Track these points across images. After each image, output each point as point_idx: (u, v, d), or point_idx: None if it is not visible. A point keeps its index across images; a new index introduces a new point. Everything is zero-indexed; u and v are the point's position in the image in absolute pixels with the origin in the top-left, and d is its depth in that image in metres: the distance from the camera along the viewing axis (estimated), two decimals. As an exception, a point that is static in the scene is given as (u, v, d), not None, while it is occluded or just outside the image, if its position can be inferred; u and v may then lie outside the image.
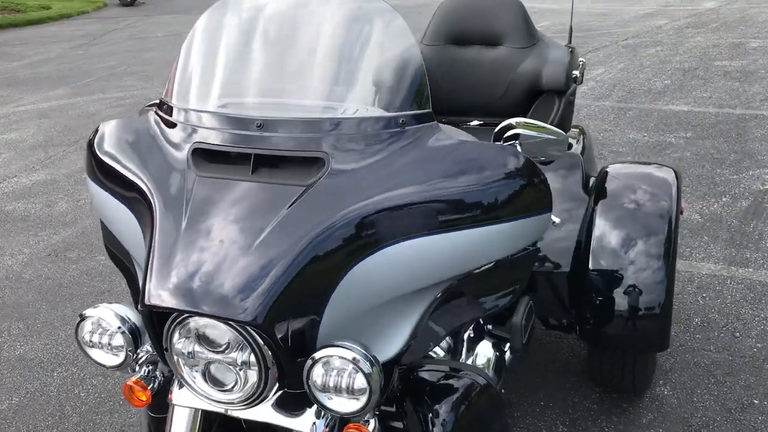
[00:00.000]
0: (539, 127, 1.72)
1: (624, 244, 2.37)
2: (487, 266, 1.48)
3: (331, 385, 1.23)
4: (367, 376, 1.21)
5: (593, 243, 2.40)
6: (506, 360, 2.25)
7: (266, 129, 1.38)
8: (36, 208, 4.87)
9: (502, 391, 2.37)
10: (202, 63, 1.53)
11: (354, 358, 1.21)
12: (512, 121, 1.73)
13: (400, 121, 1.41)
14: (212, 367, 1.32)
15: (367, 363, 1.21)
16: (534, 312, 2.36)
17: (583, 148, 2.81)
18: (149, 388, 1.45)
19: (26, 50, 11.30)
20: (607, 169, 2.58)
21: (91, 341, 1.40)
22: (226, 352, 1.29)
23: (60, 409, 2.79)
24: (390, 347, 1.37)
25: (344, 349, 1.21)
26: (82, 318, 1.39)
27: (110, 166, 1.52)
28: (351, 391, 1.23)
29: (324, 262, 1.25)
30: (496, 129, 1.73)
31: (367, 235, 1.29)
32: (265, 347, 1.24)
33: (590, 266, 2.38)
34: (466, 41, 2.77)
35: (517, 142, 1.72)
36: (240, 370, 1.29)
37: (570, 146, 2.70)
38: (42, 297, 3.66)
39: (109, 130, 1.61)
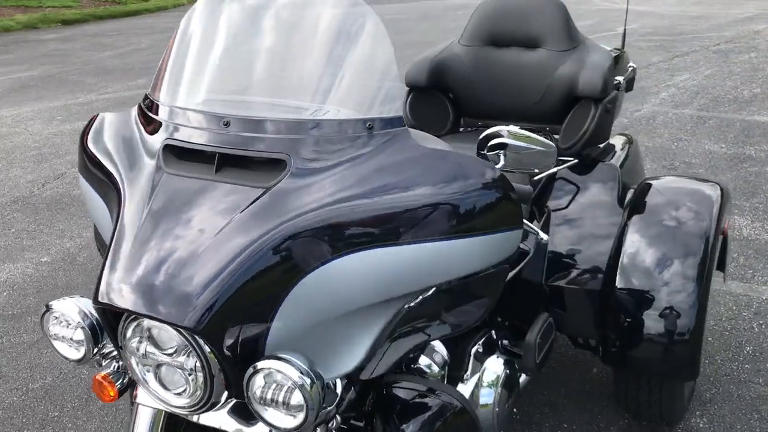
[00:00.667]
0: (527, 138, 1.63)
1: (655, 263, 2.22)
2: (452, 282, 1.40)
3: (269, 398, 1.18)
4: (304, 393, 1.15)
5: (623, 260, 2.26)
6: (518, 379, 2.14)
7: (232, 127, 1.35)
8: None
9: (515, 410, 2.26)
10: (181, 59, 1.51)
11: (293, 374, 1.15)
12: (498, 129, 1.64)
13: (367, 125, 1.35)
14: (163, 369, 1.29)
15: (307, 379, 1.16)
16: (555, 330, 2.24)
17: (626, 158, 2.66)
18: (118, 383, 1.44)
19: (119, 41, 11.77)
20: (647, 183, 2.42)
21: (54, 333, 1.40)
22: (174, 355, 1.26)
23: (87, 392, 2.86)
24: (346, 362, 1.30)
25: (284, 363, 1.16)
26: (47, 309, 1.39)
27: (95, 161, 1.52)
28: (288, 407, 1.18)
29: (275, 270, 1.21)
30: (481, 136, 1.64)
31: (323, 244, 1.23)
32: (210, 354, 1.21)
33: (618, 284, 2.24)
34: (504, 43, 2.66)
35: (502, 152, 1.63)
36: (189, 375, 1.26)
37: (609, 155, 2.55)
38: (90, 280, 3.77)
39: (100, 123, 1.61)
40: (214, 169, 1.32)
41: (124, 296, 1.21)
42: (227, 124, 1.35)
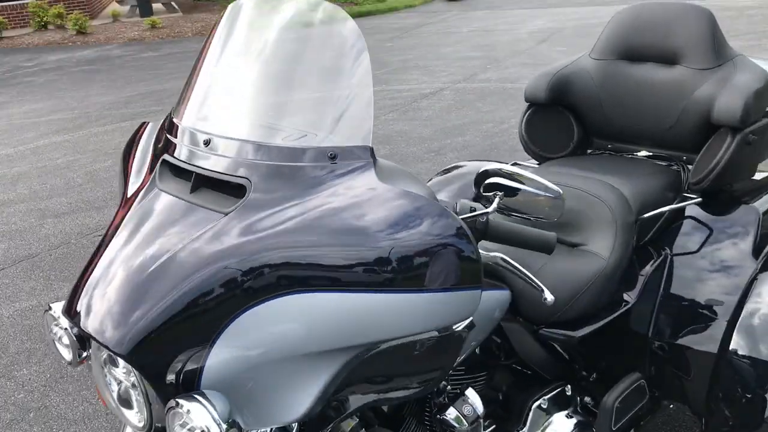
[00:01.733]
0: (527, 180, 1.39)
1: None
2: (400, 340, 1.23)
3: None
4: None
5: (748, 321, 1.90)
6: None
7: (210, 147, 1.32)
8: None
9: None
10: (191, 77, 1.50)
11: (200, 417, 1.08)
12: (495, 167, 1.42)
13: (329, 154, 1.23)
14: (121, 387, 1.28)
15: (214, 426, 1.08)
16: (647, 393, 1.93)
17: (779, 202, 2.22)
18: None
19: (344, 40, 12.35)
20: None
21: (53, 333, 1.45)
22: (126, 374, 1.24)
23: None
24: (290, 411, 1.20)
25: (197, 404, 1.09)
26: (48, 309, 1.45)
27: (122, 167, 1.56)
28: None
29: (213, 301, 1.14)
30: (478, 171, 1.44)
31: (266, 280, 1.14)
32: (145, 381, 1.17)
33: (738, 349, 1.90)
34: (638, 57, 2.33)
35: (501, 193, 1.41)
36: (138, 396, 1.24)
37: (752, 196, 2.14)
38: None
39: (143, 131, 1.65)
40: (190, 189, 1.29)
41: (79, 311, 1.22)
42: (207, 143, 1.32)
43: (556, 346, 1.89)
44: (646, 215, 2.03)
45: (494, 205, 1.40)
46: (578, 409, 1.96)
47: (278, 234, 1.17)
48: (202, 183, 1.29)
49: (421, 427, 1.66)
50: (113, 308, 1.17)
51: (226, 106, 1.42)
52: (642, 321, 2.05)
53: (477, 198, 1.45)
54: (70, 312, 1.24)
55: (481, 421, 1.67)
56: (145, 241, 1.24)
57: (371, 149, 1.26)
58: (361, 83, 1.30)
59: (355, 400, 1.28)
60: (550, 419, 1.89)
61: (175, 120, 1.44)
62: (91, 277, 1.25)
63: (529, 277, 1.37)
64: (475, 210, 1.37)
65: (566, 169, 2.21)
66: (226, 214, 1.21)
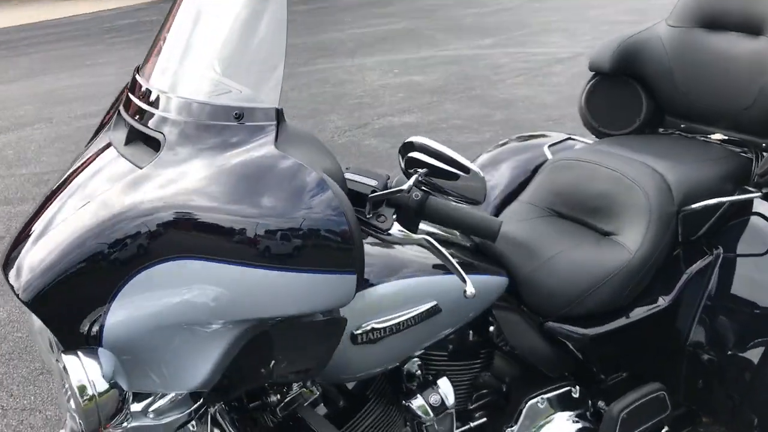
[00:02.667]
0: (449, 160, 1.23)
1: None
2: (279, 320, 1.14)
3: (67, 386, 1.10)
4: (75, 398, 1.05)
5: None
6: None
7: (146, 100, 1.28)
8: (383, 147, 5.25)
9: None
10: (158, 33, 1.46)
11: (75, 374, 1.06)
12: (417, 140, 1.27)
13: (234, 114, 1.16)
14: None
15: (87, 386, 1.05)
16: (670, 408, 1.73)
17: None
18: None
19: (492, 0, 11.99)
20: None
21: None
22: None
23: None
24: (180, 379, 1.15)
25: (75, 360, 1.06)
26: None
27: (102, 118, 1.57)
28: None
29: (111, 257, 1.11)
30: (404, 142, 1.29)
31: (159, 242, 1.11)
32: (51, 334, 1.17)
33: None
34: (719, 24, 2.03)
35: (422, 170, 1.25)
36: None
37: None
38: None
39: None
40: (124, 141, 1.27)
41: (9, 260, 1.22)
42: (144, 96, 1.28)
43: (565, 342, 1.72)
44: (693, 206, 1.78)
45: (410, 182, 1.27)
46: (587, 414, 1.78)
47: (177, 195, 1.12)
48: (137, 136, 1.27)
49: (390, 409, 1.56)
50: (29, 257, 1.17)
51: (167, 63, 1.38)
52: (677, 326, 1.82)
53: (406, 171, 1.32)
54: (6, 262, 1.25)
55: (452, 414, 1.55)
56: (74, 190, 1.24)
57: (278, 111, 1.18)
58: (273, 43, 1.22)
59: (249, 379, 1.22)
60: (548, 420, 1.73)
61: (136, 73, 1.42)
62: (25, 225, 1.26)
63: (452, 264, 1.23)
64: (392, 187, 1.25)
65: (615, 148, 1.98)
66: (141, 168, 1.18)
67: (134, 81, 1.35)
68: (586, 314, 1.70)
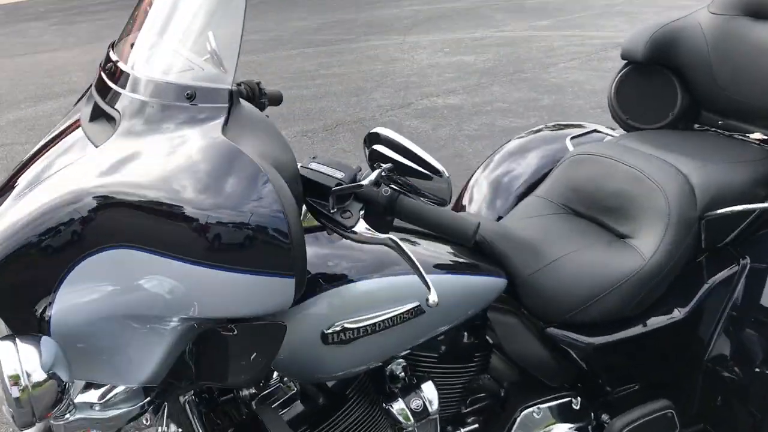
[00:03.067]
0: (413, 156, 1.12)
1: None
2: (218, 321, 1.07)
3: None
4: (10, 388, 0.99)
5: None
6: None
7: (109, 74, 1.22)
8: (423, 129, 5.14)
9: None
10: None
11: (10, 362, 1.00)
12: (382, 132, 1.16)
13: (186, 94, 1.08)
14: None
15: (25, 378, 1.00)
16: (678, 427, 1.62)
17: None
18: None
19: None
20: None
21: None
22: None
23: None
24: (124, 373, 1.09)
25: (11, 346, 1.01)
26: None
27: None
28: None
29: (55, 242, 1.05)
30: (369, 132, 1.20)
31: (102, 229, 1.03)
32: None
33: None
34: (765, 14, 1.86)
35: (385, 165, 1.15)
36: None
37: None
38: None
39: None
40: (89, 117, 1.21)
41: None
42: (110, 73, 1.22)
43: (567, 350, 1.61)
44: (719, 212, 1.63)
45: (371, 177, 1.17)
46: (588, 428, 1.67)
47: (119, 180, 1.05)
48: (100, 113, 1.21)
49: (373, 410, 1.48)
50: None
51: (137, 39, 1.31)
52: (695, 338, 1.69)
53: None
54: None
55: (435, 421, 1.46)
56: (38, 164, 1.19)
57: (231, 92, 1.10)
58: (233, 21, 1.14)
59: (196, 377, 1.15)
60: (544, 429, 1.62)
61: (110, 49, 1.36)
62: None
63: (416, 269, 1.14)
64: (356, 181, 1.16)
65: (639, 144, 1.84)
66: (97, 147, 1.12)
67: (107, 56, 1.29)
68: (591, 321, 1.59)
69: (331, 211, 1.16)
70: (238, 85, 1.54)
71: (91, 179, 1.06)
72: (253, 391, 1.41)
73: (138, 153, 1.07)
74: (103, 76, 1.23)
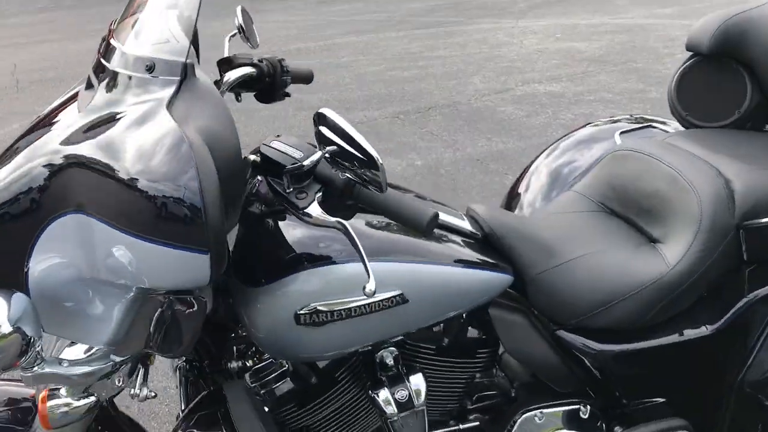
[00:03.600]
0: (352, 142, 1.06)
1: None
2: (151, 292, 1.08)
3: None
4: None
5: None
6: None
7: (102, 49, 1.25)
8: (517, 115, 5.00)
9: None
10: None
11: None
12: (328, 114, 1.10)
13: (146, 66, 1.08)
14: None
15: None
16: None
17: None
18: None
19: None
20: None
21: None
22: None
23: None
24: (89, 334, 1.13)
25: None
26: None
27: None
28: None
29: (30, 202, 1.09)
30: (317, 112, 1.14)
31: (66, 193, 1.06)
32: None
33: None
34: None
35: (329, 148, 1.09)
36: None
37: None
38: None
39: None
40: (85, 86, 1.25)
41: None
42: (104, 46, 1.25)
43: (579, 356, 1.52)
44: (761, 221, 1.49)
45: (312, 158, 1.13)
46: (601, 438, 1.58)
47: (90, 145, 1.07)
48: (90, 84, 1.24)
49: (362, 397, 1.47)
50: None
51: (129, 11, 1.32)
52: (727, 357, 1.56)
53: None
54: None
55: (420, 413, 1.42)
56: (37, 125, 1.23)
57: (185, 65, 1.09)
58: None
59: (145, 344, 1.16)
60: (548, 436, 1.55)
61: (111, 24, 1.40)
62: None
63: (360, 255, 1.09)
64: (297, 162, 1.13)
65: (687, 142, 1.71)
66: (80, 111, 1.15)
67: (109, 30, 1.33)
68: (605, 327, 1.49)
69: (287, 190, 1.15)
70: (260, 61, 1.55)
71: (55, 145, 1.09)
72: (241, 364, 1.43)
73: (100, 121, 1.10)
74: (102, 47, 1.27)
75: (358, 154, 1.12)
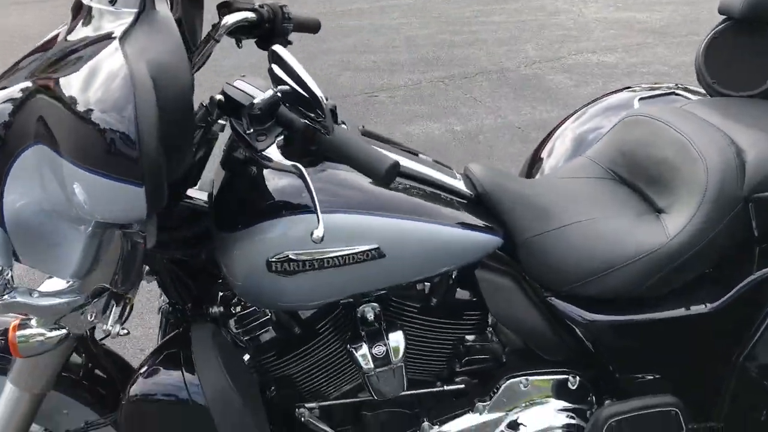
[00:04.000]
0: (301, 83, 1.02)
1: None
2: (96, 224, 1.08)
3: None
4: None
5: None
6: None
7: None
8: (565, 85, 4.86)
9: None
10: None
11: None
12: (277, 49, 1.05)
13: None
14: None
15: None
16: (684, 430, 1.47)
17: None
18: None
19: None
20: None
21: None
22: None
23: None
24: (61, 265, 1.14)
25: None
26: None
27: None
28: None
29: (5, 130, 1.10)
30: (271, 49, 1.10)
31: (29, 123, 1.06)
32: None
33: None
34: None
35: (282, 87, 1.05)
36: None
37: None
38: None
39: None
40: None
41: None
42: None
43: (569, 324, 1.48)
44: None
45: (262, 96, 1.10)
46: (585, 411, 1.53)
47: (47, 78, 1.07)
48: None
49: (342, 350, 1.45)
50: None
51: None
52: (728, 334, 1.49)
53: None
54: None
55: (398, 370, 1.40)
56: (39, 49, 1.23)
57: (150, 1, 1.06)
58: None
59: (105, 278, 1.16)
60: (529, 404, 1.51)
61: None
62: None
63: (313, 200, 1.06)
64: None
65: (708, 110, 1.62)
66: (65, 39, 1.15)
67: None
68: (597, 297, 1.44)
69: (247, 132, 1.13)
70: (261, 6, 1.52)
71: (22, 80, 1.09)
72: (223, 310, 1.44)
73: (62, 54, 1.09)
74: None
75: (305, 94, 1.09)
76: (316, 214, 1.08)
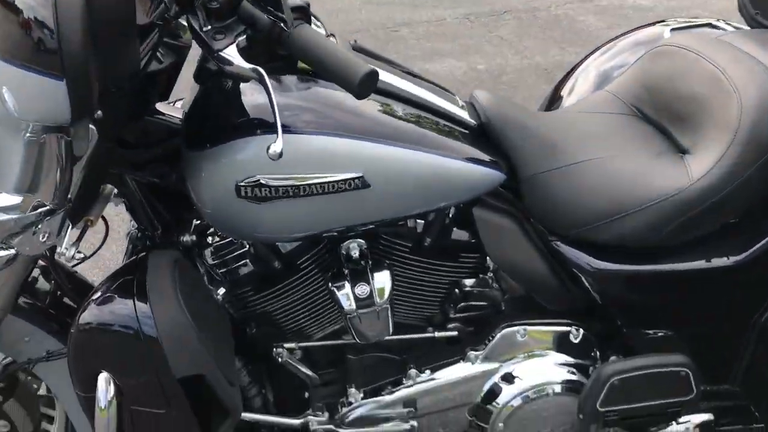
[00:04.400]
0: None
1: None
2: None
3: None
4: None
5: None
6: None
7: None
8: (595, 27, 4.62)
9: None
10: None
11: None
12: None
13: None
14: None
15: None
16: (695, 392, 1.35)
17: None
18: None
19: None
20: None
21: None
22: None
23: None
24: (5, 178, 1.02)
25: None
26: None
27: None
28: None
29: None
30: None
31: None
32: None
33: None
34: None
35: None
36: None
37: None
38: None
39: None
40: None
41: None
42: None
43: (574, 272, 1.35)
44: None
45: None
46: (588, 367, 1.41)
47: None
48: None
49: (323, 289, 1.34)
50: None
51: None
52: (748, 291, 1.35)
53: None
54: None
55: (383, 312, 1.29)
56: None
57: None
58: None
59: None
60: (526, 356, 1.39)
61: None
62: None
63: (273, 108, 0.93)
64: None
65: (747, 41, 1.45)
66: None
67: None
68: (607, 243, 1.31)
69: (204, 29, 0.99)
70: None
71: None
72: (196, 239, 1.33)
73: None
74: None
75: None
76: (276, 125, 0.95)
